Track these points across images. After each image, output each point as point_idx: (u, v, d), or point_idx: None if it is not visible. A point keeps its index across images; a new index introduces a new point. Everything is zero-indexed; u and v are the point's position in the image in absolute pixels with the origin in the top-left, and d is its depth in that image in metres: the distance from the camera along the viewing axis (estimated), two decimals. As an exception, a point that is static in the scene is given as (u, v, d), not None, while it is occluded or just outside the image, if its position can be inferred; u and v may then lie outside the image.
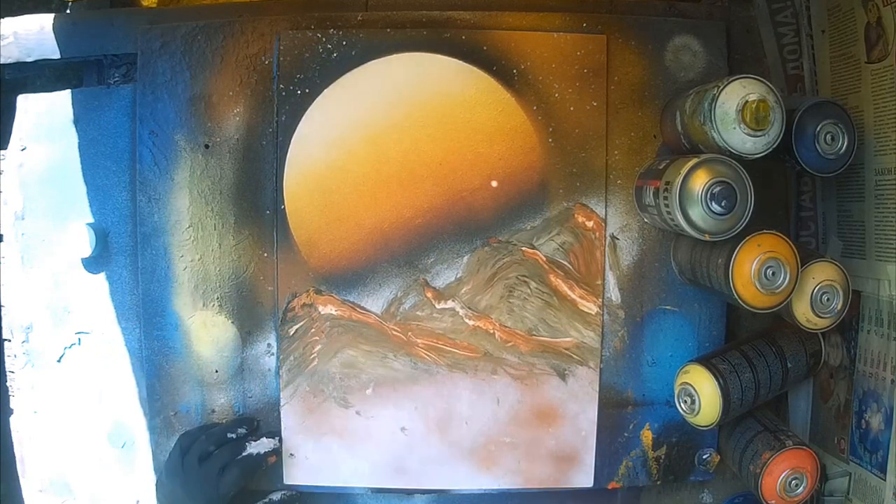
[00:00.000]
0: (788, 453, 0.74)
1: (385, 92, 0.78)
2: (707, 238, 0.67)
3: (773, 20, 0.85)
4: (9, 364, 0.83)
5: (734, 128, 0.66)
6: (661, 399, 0.82)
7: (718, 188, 0.65)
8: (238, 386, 0.81)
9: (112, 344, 0.82)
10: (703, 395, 0.73)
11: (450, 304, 0.80)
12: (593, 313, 0.80)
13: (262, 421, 0.80)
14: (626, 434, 0.83)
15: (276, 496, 0.81)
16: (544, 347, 0.80)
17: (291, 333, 0.80)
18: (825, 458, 0.81)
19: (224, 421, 0.81)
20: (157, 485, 0.77)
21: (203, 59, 0.79)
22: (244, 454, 0.76)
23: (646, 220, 0.79)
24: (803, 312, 0.72)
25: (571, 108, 0.79)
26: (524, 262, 0.80)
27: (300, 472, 0.81)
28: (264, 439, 0.77)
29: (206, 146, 0.79)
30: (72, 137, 0.81)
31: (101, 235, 0.81)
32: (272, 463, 0.78)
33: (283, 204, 0.78)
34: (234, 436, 0.77)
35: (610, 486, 0.83)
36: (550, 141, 0.79)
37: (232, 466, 0.74)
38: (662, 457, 0.83)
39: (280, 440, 0.79)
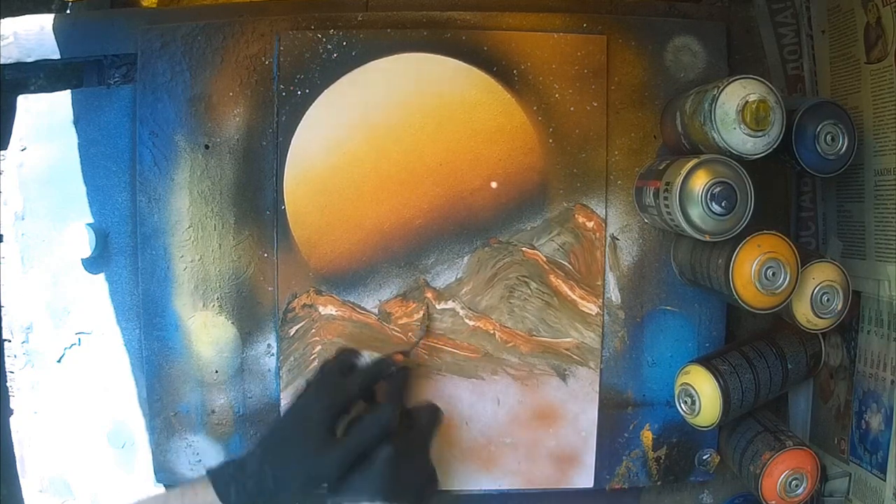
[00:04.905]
0: (788, 454, 0.75)
1: (385, 92, 0.78)
2: (707, 238, 0.67)
3: (773, 20, 0.85)
4: (9, 364, 0.82)
5: (734, 128, 0.66)
6: (661, 399, 0.82)
7: (718, 188, 0.65)
8: (238, 386, 0.81)
9: (112, 344, 0.82)
10: (703, 395, 0.73)
11: (450, 304, 0.80)
12: (594, 314, 0.80)
13: (263, 422, 0.80)
14: (626, 434, 0.83)
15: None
16: (545, 348, 0.80)
17: (292, 334, 0.79)
18: (825, 459, 0.81)
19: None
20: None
21: (203, 60, 0.79)
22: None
23: (646, 220, 0.79)
24: (803, 313, 0.72)
25: (572, 109, 0.79)
26: (524, 263, 0.80)
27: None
28: None
29: (206, 146, 0.79)
30: (72, 137, 0.81)
31: (101, 236, 0.81)
32: (400, 361, 0.73)
33: (283, 204, 0.78)
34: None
35: (610, 487, 0.83)
36: (551, 141, 0.79)
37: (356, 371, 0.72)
38: (662, 457, 0.83)
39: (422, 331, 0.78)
